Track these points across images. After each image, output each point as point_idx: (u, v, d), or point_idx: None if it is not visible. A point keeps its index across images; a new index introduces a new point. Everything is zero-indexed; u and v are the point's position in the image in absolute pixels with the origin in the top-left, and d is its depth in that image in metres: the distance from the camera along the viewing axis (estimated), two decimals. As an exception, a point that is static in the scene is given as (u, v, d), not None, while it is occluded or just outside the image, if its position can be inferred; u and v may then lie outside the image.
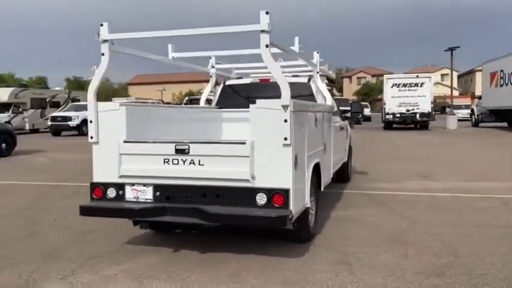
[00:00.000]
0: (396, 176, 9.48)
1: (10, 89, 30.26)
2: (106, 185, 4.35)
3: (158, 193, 4.21)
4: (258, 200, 3.93)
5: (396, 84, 26.12)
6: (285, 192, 3.86)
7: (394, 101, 25.92)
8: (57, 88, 41.62)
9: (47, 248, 4.83)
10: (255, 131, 3.97)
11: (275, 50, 6.26)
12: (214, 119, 6.06)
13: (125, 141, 4.31)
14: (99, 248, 4.79)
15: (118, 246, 4.84)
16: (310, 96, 6.47)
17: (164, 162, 4.20)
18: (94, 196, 4.39)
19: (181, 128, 5.09)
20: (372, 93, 71.77)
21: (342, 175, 8.67)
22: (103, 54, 4.32)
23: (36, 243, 5.04)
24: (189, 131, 5.17)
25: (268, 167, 3.93)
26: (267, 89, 6.78)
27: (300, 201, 4.23)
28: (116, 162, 4.31)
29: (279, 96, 6.26)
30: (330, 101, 6.29)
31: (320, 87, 6.38)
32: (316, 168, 5.08)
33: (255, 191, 3.94)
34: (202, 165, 4.11)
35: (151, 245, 4.87)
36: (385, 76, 27.94)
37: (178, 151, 4.13)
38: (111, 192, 4.33)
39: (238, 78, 7.02)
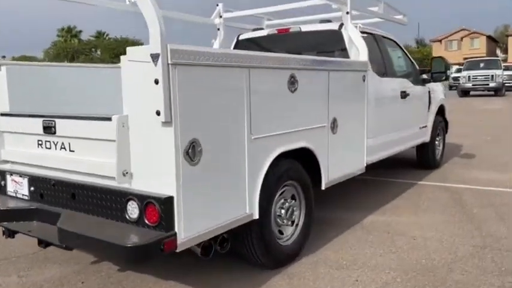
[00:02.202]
0: (514, 163, 6.77)
1: None
2: None
3: (33, 188, 3.03)
4: (129, 212, 2.46)
5: None
6: (162, 204, 2.30)
7: None
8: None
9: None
10: (128, 100, 2.46)
11: None
12: None
13: (2, 114, 3.20)
14: (27, 248, 3.85)
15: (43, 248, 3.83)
16: (342, 51, 4.54)
17: (38, 144, 2.98)
18: None
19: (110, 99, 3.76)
20: (543, 54, 59.82)
21: (423, 160, 6.46)
22: None
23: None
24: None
25: (146, 160, 2.42)
26: (288, 41, 5.04)
27: (218, 214, 2.61)
28: None
29: (302, 51, 4.54)
30: (364, 55, 4.27)
31: (352, 35, 4.39)
32: (302, 156, 3.35)
33: (126, 196, 2.46)
34: (73, 151, 2.78)
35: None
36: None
37: (46, 129, 2.86)
38: None
39: (255, 29, 5.34)
